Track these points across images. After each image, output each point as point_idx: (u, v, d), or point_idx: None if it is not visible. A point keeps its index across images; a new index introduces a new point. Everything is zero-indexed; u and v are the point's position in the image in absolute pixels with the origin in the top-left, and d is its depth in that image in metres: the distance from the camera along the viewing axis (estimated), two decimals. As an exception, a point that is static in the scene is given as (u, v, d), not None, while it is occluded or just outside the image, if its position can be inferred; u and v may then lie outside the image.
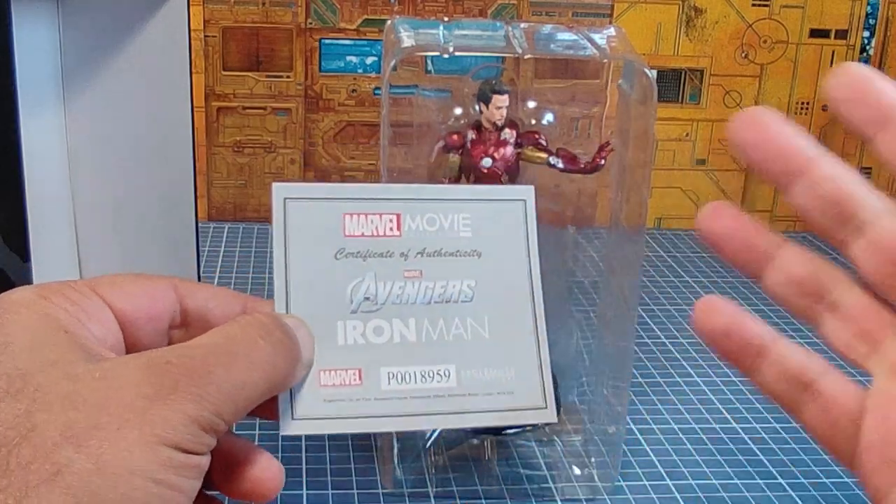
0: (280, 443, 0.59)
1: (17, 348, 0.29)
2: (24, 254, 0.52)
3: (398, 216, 0.37)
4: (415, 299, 0.36)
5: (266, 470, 0.33)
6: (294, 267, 0.35)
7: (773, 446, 0.64)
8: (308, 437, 0.60)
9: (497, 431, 0.58)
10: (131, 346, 0.33)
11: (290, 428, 0.34)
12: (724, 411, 0.68)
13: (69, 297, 0.31)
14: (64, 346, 0.29)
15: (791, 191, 0.30)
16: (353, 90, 0.98)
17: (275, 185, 0.35)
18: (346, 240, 0.36)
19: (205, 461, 0.29)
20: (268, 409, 0.34)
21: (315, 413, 0.34)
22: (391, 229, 0.36)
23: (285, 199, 0.36)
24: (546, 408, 0.36)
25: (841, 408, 0.29)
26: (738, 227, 0.31)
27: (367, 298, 0.35)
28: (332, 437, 0.60)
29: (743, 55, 1.02)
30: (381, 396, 0.34)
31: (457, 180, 0.56)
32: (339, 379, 0.34)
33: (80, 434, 0.27)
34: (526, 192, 0.38)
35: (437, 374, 0.35)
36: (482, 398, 0.35)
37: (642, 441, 0.63)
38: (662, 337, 0.77)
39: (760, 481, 0.60)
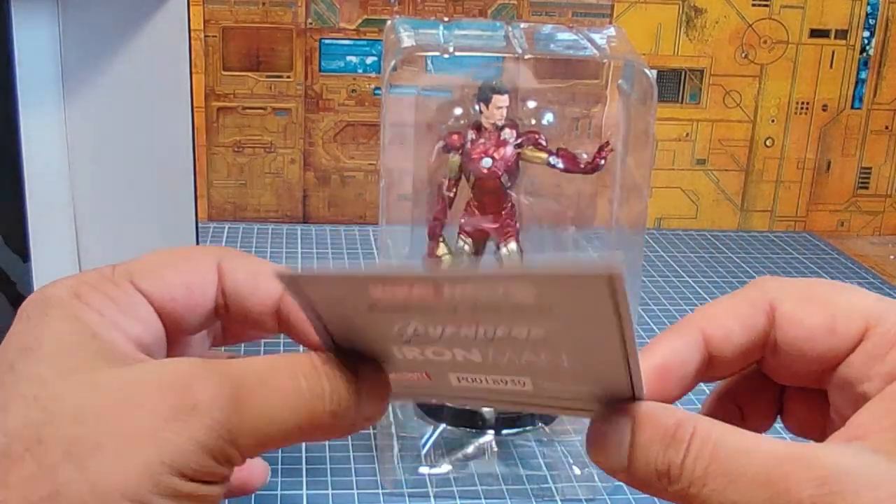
0: (280, 443, 0.59)
1: (42, 353, 0.28)
2: (24, 254, 0.52)
3: (435, 283, 0.26)
4: (473, 336, 0.28)
5: (253, 470, 0.33)
6: (330, 324, 0.30)
7: (773, 446, 0.64)
8: (308, 437, 0.60)
9: (497, 431, 0.58)
10: (173, 335, 0.32)
11: None
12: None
13: (108, 293, 0.30)
14: (88, 353, 0.28)
15: None
16: (353, 90, 0.98)
17: (279, 274, 0.28)
18: (375, 300, 0.28)
19: (214, 492, 0.28)
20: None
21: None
22: (427, 296, 0.27)
23: (299, 281, 0.29)
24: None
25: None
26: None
27: (418, 334, 0.29)
28: (332, 437, 0.60)
29: (743, 55, 1.02)
30: (451, 393, 0.31)
31: (457, 180, 0.56)
32: (406, 379, 0.31)
33: (83, 453, 0.26)
34: (610, 266, 0.24)
35: (512, 381, 0.30)
36: (562, 402, 0.31)
37: (642, 441, 0.63)
38: (662, 337, 0.77)
39: (760, 481, 0.60)
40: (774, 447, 0.26)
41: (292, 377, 0.28)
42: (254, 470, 0.35)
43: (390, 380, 0.31)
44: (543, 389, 0.30)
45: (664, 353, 0.31)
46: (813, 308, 0.31)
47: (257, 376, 0.28)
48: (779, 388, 0.34)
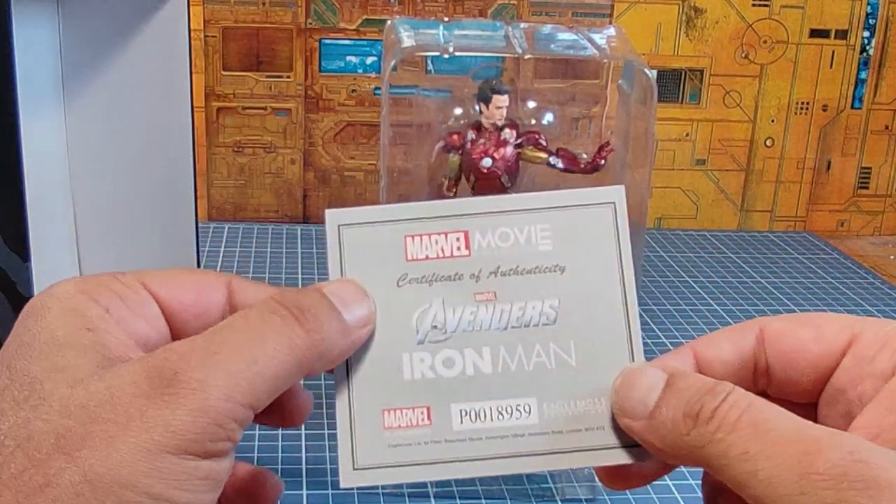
0: (280, 442, 0.59)
1: (34, 351, 0.28)
2: (24, 254, 0.52)
3: (466, 234, 0.32)
4: (489, 325, 0.32)
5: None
6: None
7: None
8: (308, 436, 0.60)
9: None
10: (178, 339, 0.31)
11: (352, 479, 0.31)
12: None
13: (115, 290, 0.30)
14: (79, 350, 0.28)
15: None
16: (353, 90, 0.98)
17: (328, 212, 0.32)
18: (408, 265, 0.32)
19: (219, 466, 0.27)
20: (279, 415, 0.32)
21: (379, 460, 0.31)
22: (459, 249, 0.32)
23: (339, 226, 0.32)
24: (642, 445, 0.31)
25: None
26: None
27: (435, 327, 0.32)
28: (331, 437, 0.60)
29: (743, 55, 1.02)
30: (452, 438, 0.31)
31: (457, 180, 0.56)
32: (406, 420, 0.31)
33: (73, 443, 0.25)
34: (614, 193, 0.33)
35: (517, 409, 0.31)
36: (568, 436, 0.31)
37: (642, 441, 0.63)
38: (662, 337, 0.77)
39: (760, 481, 0.60)
40: (808, 422, 0.27)
41: (258, 316, 0.28)
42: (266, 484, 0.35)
43: (385, 431, 0.31)
44: (548, 417, 0.31)
45: (656, 366, 0.32)
46: (800, 323, 0.32)
47: (225, 329, 0.28)
48: None
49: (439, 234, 0.32)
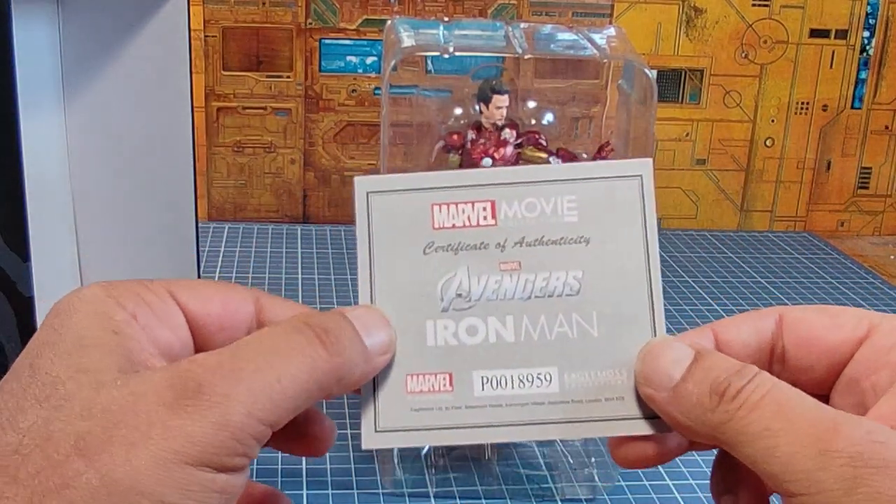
0: (280, 443, 0.59)
1: (60, 352, 0.28)
2: (24, 254, 0.52)
3: (493, 203, 0.33)
4: (513, 294, 0.32)
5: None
6: (379, 265, 0.32)
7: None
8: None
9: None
10: (202, 350, 0.31)
11: (374, 441, 0.31)
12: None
13: (143, 297, 0.30)
14: (103, 352, 0.28)
15: None
16: (353, 90, 0.98)
17: (357, 179, 0.33)
18: (435, 233, 0.32)
19: (235, 481, 0.27)
20: (303, 443, 0.32)
21: (401, 424, 0.31)
22: (485, 218, 0.33)
23: (368, 193, 0.33)
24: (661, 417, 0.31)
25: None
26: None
27: (460, 295, 0.32)
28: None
29: (743, 55, 1.02)
30: (473, 404, 0.31)
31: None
32: (428, 385, 0.31)
33: (93, 446, 0.25)
34: (642, 166, 0.33)
35: (538, 377, 0.32)
36: (588, 405, 0.31)
37: (642, 441, 0.63)
38: (662, 337, 0.77)
39: (760, 481, 0.60)
40: (827, 406, 0.28)
41: (284, 335, 0.28)
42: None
43: (408, 395, 0.31)
44: (569, 386, 0.32)
45: (683, 342, 0.32)
46: (819, 312, 0.32)
47: (251, 345, 0.28)
48: None
49: (466, 203, 0.33)
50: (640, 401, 0.31)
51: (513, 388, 0.32)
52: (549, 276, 0.32)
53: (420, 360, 0.32)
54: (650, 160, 0.33)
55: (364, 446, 0.31)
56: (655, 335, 0.32)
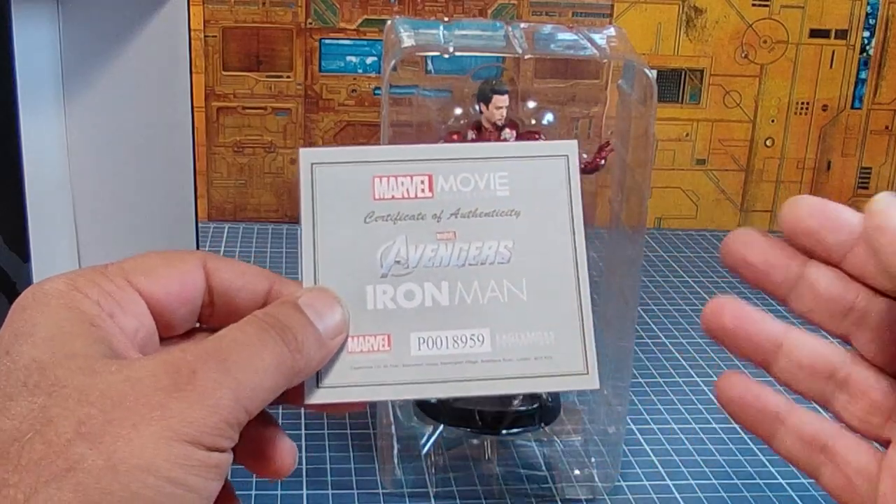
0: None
1: (39, 339, 0.28)
2: (24, 254, 0.52)
3: (430, 177, 0.35)
4: (448, 262, 0.34)
5: (286, 451, 0.33)
6: (322, 234, 0.34)
7: (773, 446, 0.64)
8: (308, 436, 0.60)
9: (497, 431, 0.58)
10: (164, 330, 0.33)
11: (316, 396, 0.32)
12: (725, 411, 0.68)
13: (104, 288, 0.31)
14: (87, 340, 0.29)
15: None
16: (353, 90, 0.98)
17: (302, 150, 0.34)
18: (375, 203, 0.34)
19: (225, 459, 0.28)
20: (294, 394, 0.33)
21: (342, 381, 0.33)
22: (423, 191, 0.35)
23: (312, 164, 0.34)
24: (587, 373, 0.33)
25: (856, 468, 0.30)
26: (744, 321, 0.32)
27: (398, 262, 0.34)
28: (332, 437, 0.60)
29: (743, 55, 1.02)
30: (410, 363, 0.33)
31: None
32: (368, 345, 0.33)
33: (95, 430, 0.26)
34: (568, 147, 0.35)
35: (471, 338, 0.34)
36: (518, 363, 0.34)
37: (642, 441, 0.63)
38: (662, 337, 0.77)
39: (760, 481, 0.60)
40: None
41: (252, 331, 0.30)
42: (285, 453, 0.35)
43: (349, 355, 0.33)
44: (501, 345, 0.34)
45: None
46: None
47: (228, 339, 0.30)
48: None
49: (405, 176, 0.35)
50: (567, 359, 0.34)
51: (447, 347, 0.33)
52: (482, 245, 0.34)
53: (360, 323, 0.33)
54: (576, 141, 0.35)
55: (306, 401, 0.32)
56: (580, 298, 0.34)
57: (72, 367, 0.27)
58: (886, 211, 0.28)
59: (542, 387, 0.34)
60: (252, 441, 0.32)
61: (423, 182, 0.35)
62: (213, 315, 0.34)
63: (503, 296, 0.34)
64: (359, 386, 0.33)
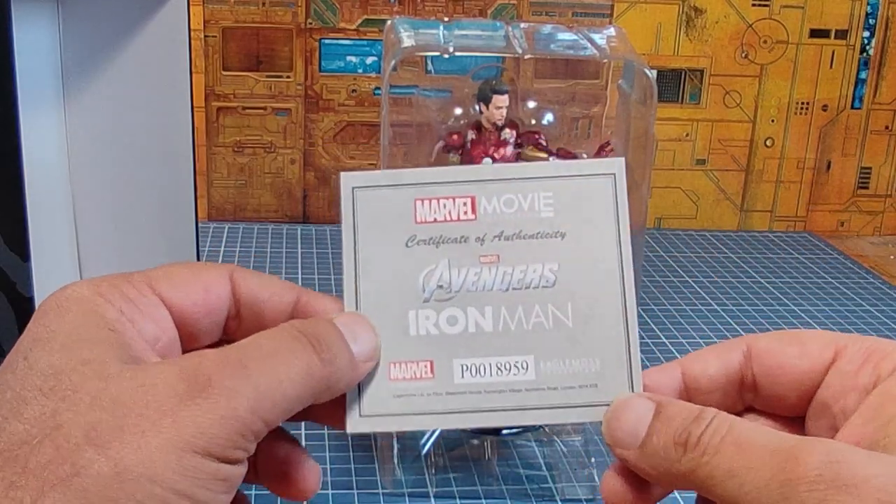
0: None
1: (56, 344, 0.28)
2: (24, 254, 0.52)
3: (473, 199, 0.34)
4: (491, 286, 0.33)
5: (310, 473, 0.33)
6: (363, 259, 0.33)
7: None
8: (308, 436, 0.60)
9: (497, 431, 0.58)
10: (188, 341, 0.32)
11: (358, 425, 0.32)
12: None
13: (126, 293, 0.31)
14: (104, 346, 0.28)
15: None
16: (353, 90, 0.98)
17: (342, 175, 0.34)
18: (417, 226, 0.34)
19: (237, 472, 0.28)
20: (331, 415, 0.32)
21: (384, 409, 0.32)
22: (465, 213, 0.34)
23: (353, 188, 0.34)
24: None
25: None
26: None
27: (441, 286, 0.33)
28: (332, 437, 0.60)
29: (743, 55, 1.02)
30: (453, 391, 0.33)
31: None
32: (410, 372, 0.33)
33: (104, 435, 0.26)
34: (615, 165, 0.34)
35: (515, 365, 0.33)
36: (562, 392, 0.33)
37: (642, 441, 0.63)
38: (662, 337, 0.77)
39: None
40: (786, 434, 0.28)
41: (283, 340, 0.30)
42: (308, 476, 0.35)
43: (391, 382, 0.32)
44: (544, 374, 0.33)
45: (644, 396, 0.33)
46: (785, 341, 0.33)
47: (254, 346, 0.29)
48: None
49: (447, 198, 0.34)
50: (612, 387, 0.33)
51: (491, 375, 0.33)
52: (526, 268, 0.34)
53: (403, 349, 0.33)
54: (622, 159, 0.34)
55: (348, 431, 0.32)
56: (627, 323, 0.33)
57: (86, 373, 0.27)
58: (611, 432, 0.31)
59: (587, 417, 0.33)
60: (275, 462, 0.32)
61: (465, 204, 0.34)
62: (239, 328, 0.33)
63: (548, 321, 0.33)
64: (401, 415, 0.32)
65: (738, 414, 0.34)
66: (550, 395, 0.33)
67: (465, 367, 0.33)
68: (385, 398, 0.32)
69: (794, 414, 0.33)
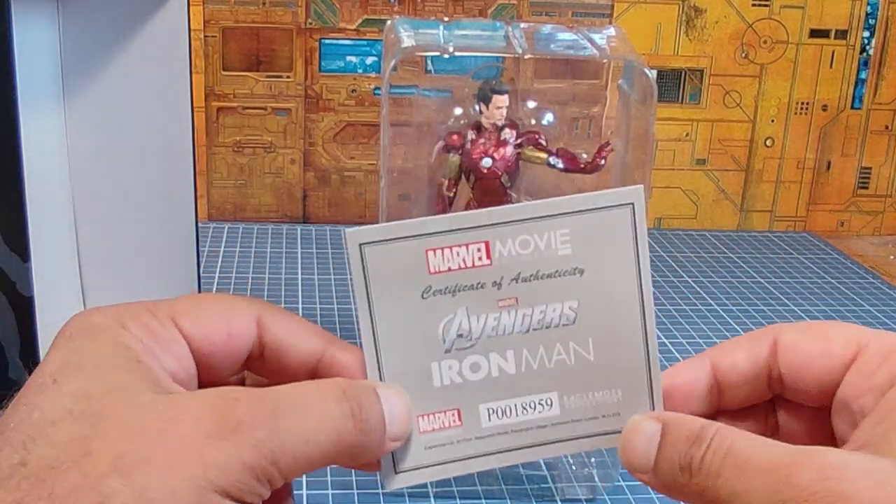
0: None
1: (88, 371, 0.28)
2: (24, 254, 0.52)
3: (486, 244, 0.33)
4: (512, 329, 0.33)
5: None
6: (380, 317, 0.33)
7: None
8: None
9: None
10: (205, 377, 0.32)
11: (394, 482, 0.33)
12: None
13: (148, 325, 0.31)
14: (134, 375, 0.29)
15: None
16: (353, 90, 0.98)
17: (347, 232, 0.32)
18: (431, 277, 0.33)
19: None
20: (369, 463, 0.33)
21: (418, 462, 0.33)
22: (480, 259, 0.33)
23: (361, 245, 0.32)
24: None
25: None
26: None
27: (461, 335, 0.33)
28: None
29: (743, 55, 1.02)
30: (482, 434, 0.33)
31: (457, 180, 0.56)
32: (439, 423, 0.33)
33: (131, 465, 0.26)
34: (633, 194, 0.33)
35: (539, 403, 0.33)
36: (587, 423, 0.33)
37: (642, 441, 0.63)
38: (663, 337, 0.77)
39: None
40: (783, 446, 0.29)
41: (323, 399, 0.30)
42: None
43: (421, 435, 0.33)
44: (568, 408, 0.33)
45: (671, 374, 0.35)
46: (810, 336, 0.33)
47: (291, 399, 0.29)
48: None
49: (460, 245, 0.33)
50: (635, 413, 0.33)
51: (517, 415, 0.33)
52: (545, 308, 0.33)
53: (429, 401, 0.33)
54: (641, 187, 0.34)
55: (386, 489, 0.32)
56: (648, 354, 0.34)
57: (118, 400, 0.28)
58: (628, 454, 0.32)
59: (611, 444, 0.33)
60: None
61: (479, 250, 0.33)
62: (262, 367, 0.33)
63: (570, 358, 0.33)
64: (435, 465, 0.33)
65: (770, 403, 0.35)
66: (575, 426, 0.33)
67: (491, 411, 0.33)
68: (417, 452, 0.33)
69: (822, 405, 0.33)
